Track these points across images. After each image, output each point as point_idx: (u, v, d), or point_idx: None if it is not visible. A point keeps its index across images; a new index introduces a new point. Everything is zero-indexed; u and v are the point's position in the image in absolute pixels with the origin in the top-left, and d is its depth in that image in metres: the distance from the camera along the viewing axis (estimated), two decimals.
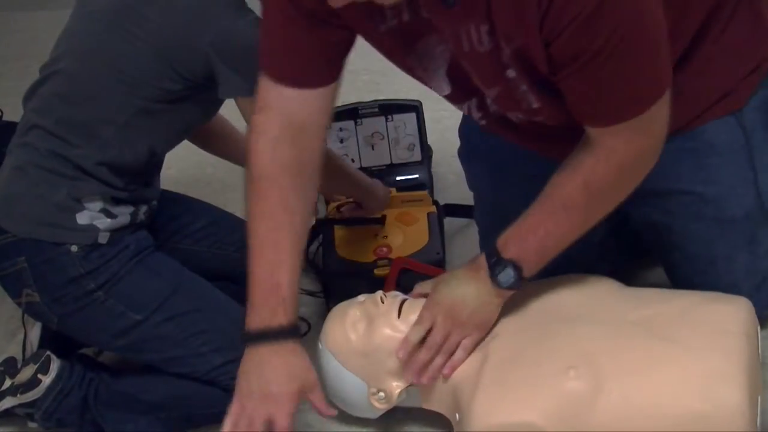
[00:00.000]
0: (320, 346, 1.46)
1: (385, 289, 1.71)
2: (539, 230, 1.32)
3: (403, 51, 1.28)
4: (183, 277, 1.55)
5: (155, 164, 1.59)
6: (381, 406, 1.42)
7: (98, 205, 1.47)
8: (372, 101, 1.99)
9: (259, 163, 1.30)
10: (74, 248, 1.45)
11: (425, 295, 1.42)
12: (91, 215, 1.46)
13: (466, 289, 1.36)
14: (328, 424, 1.56)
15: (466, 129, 1.70)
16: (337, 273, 1.79)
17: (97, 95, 1.47)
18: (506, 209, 1.54)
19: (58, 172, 1.46)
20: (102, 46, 1.47)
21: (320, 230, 1.90)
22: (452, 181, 2.10)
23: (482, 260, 1.36)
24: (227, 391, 1.50)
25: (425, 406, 1.43)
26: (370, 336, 1.40)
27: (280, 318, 1.29)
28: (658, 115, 1.19)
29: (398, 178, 1.97)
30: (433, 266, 1.76)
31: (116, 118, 1.46)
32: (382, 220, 1.84)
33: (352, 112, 1.97)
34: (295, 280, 1.31)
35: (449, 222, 1.96)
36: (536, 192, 1.51)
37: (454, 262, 1.85)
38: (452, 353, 1.37)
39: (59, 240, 1.45)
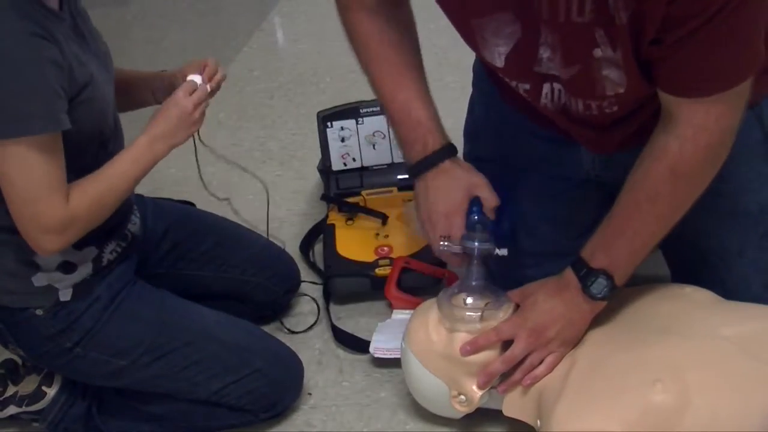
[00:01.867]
0: (403, 345, 1.45)
1: (387, 289, 1.72)
2: (626, 232, 1.28)
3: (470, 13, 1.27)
4: (166, 312, 1.49)
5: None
6: (462, 409, 1.40)
7: (54, 259, 1.38)
8: (373, 100, 1.96)
9: (364, 29, 1.39)
10: (39, 311, 1.39)
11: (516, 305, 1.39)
12: (48, 276, 1.38)
13: (555, 306, 1.33)
14: (330, 423, 1.56)
15: (473, 131, 1.68)
16: (338, 272, 1.79)
17: None
18: (521, 210, 1.53)
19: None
20: None
21: (321, 230, 1.90)
22: None
23: (570, 274, 1.32)
24: (232, 410, 1.50)
25: (506, 413, 1.40)
26: (452, 338, 1.37)
27: (429, 146, 1.37)
28: (747, 89, 1.16)
29: (399, 177, 1.96)
30: (434, 266, 1.76)
31: None
32: (384, 218, 1.84)
33: (353, 111, 1.97)
34: (430, 108, 1.40)
35: None
36: (553, 192, 1.50)
37: None
38: (533, 368, 1.34)
39: (21, 305, 1.39)
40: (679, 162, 1.20)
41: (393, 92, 1.37)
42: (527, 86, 1.32)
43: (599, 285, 1.29)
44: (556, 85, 1.29)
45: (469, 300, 1.38)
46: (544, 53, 1.22)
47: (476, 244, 1.33)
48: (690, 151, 1.20)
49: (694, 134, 1.19)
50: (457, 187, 1.36)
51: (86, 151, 1.36)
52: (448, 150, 1.37)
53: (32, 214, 1.26)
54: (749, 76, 1.15)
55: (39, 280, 1.39)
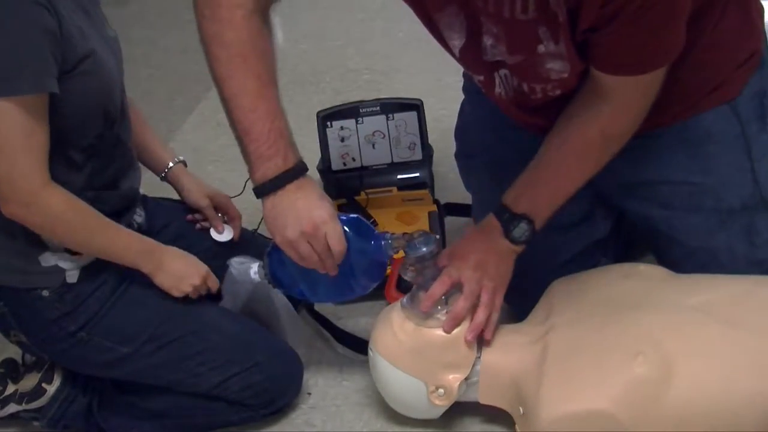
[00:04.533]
0: (371, 353, 1.45)
1: (386, 290, 1.72)
2: (550, 183, 1.37)
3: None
4: (171, 302, 1.50)
5: (94, 157, 1.41)
6: (441, 403, 1.41)
7: None
8: (373, 100, 1.99)
9: (238, 28, 1.28)
10: (45, 293, 1.41)
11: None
12: (56, 256, 1.40)
13: (485, 246, 1.39)
14: (330, 423, 1.56)
15: (462, 129, 1.69)
16: None
17: None
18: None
19: (4, 220, 1.35)
20: None
21: None
22: (453, 180, 2.10)
23: (492, 220, 1.39)
24: (231, 404, 1.50)
25: (483, 401, 1.42)
26: (420, 333, 1.39)
27: (292, 159, 1.29)
28: (663, 72, 1.28)
29: (399, 177, 1.96)
30: None
31: None
32: (372, 221, 1.84)
33: (353, 111, 1.97)
34: (288, 125, 1.31)
35: (450, 221, 1.96)
36: None
37: None
38: (495, 308, 1.39)
39: (28, 286, 1.41)
40: (609, 126, 1.31)
41: (255, 102, 1.28)
42: (481, 77, 1.40)
43: (521, 229, 1.36)
44: (503, 71, 1.35)
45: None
46: (488, 41, 1.29)
47: (424, 249, 1.36)
48: (621, 118, 1.31)
49: (625, 104, 1.29)
50: (323, 197, 1.31)
51: (91, 126, 1.38)
52: (305, 167, 1.32)
53: (6, 172, 1.27)
54: (673, 58, 1.25)
55: (46, 260, 1.40)
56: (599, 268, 1.50)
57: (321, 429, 1.55)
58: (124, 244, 1.42)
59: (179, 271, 1.47)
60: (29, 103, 1.25)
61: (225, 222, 1.69)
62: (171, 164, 1.64)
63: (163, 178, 1.65)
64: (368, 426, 1.54)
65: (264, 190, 1.29)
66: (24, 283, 1.41)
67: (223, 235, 1.66)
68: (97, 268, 1.44)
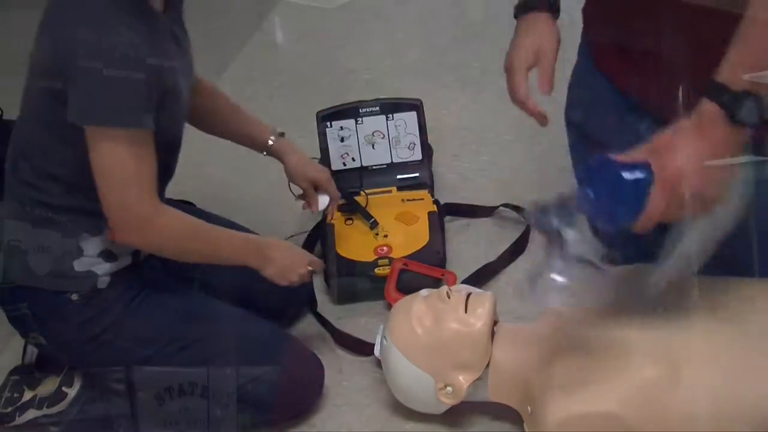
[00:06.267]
0: (385, 342, 1.45)
1: (386, 290, 1.72)
2: None
3: None
4: (193, 305, 1.51)
5: None
6: (448, 401, 1.41)
7: (98, 245, 1.41)
8: (373, 100, 1.99)
9: None
10: (75, 296, 1.41)
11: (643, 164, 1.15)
12: (90, 261, 1.41)
13: (701, 149, 1.12)
14: (329, 423, 1.56)
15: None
16: (338, 272, 1.79)
17: (29, 139, 1.39)
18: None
19: (47, 220, 1.38)
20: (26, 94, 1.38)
21: (320, 229, 1.90)
22: (452, 180, 2.11)
23: (709, 107, 1.11)
24: (254, 408, 1.49)
25: (492, 398, 1.42)
26: (438, 331, 1.39)
27: None
28: None
29: (399, 177, 1.97)
30: (433, 266, 1.76)
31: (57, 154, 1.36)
32: (373, 222, 1.85)
33: (353, 111, 1.97)
34: None
35: (450, 221, 1.96)
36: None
37: (454, 262, 1.85)
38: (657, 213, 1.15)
39: (58, 289, 1.41)
40: None
41: None
42: None
43: (748, 108, 1.09)
44: None
45: (452, 293, 1.42)
46: None
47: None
48: None
49: None
50: (530, 44, 1.38)
51: (159, 154, 1.37)
52: (554, 8, 1.41)
53: (120, 200, 1.29)
54: None
55: (81, 264, 1.40)
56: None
57: (321, 429, 1.55)
58: (234, 248, 1.45)
59: (286, 263, 1.49)
60: (139, 135, 1.28)
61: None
62: (270, 141, 1.68)
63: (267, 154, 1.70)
64: (368, 426, 1.55)
65: (516, 10, 1.42)
66: (54, 285, 1.41)
67: (315, 206, 1.73)
68: (127, 275, 1.45)
